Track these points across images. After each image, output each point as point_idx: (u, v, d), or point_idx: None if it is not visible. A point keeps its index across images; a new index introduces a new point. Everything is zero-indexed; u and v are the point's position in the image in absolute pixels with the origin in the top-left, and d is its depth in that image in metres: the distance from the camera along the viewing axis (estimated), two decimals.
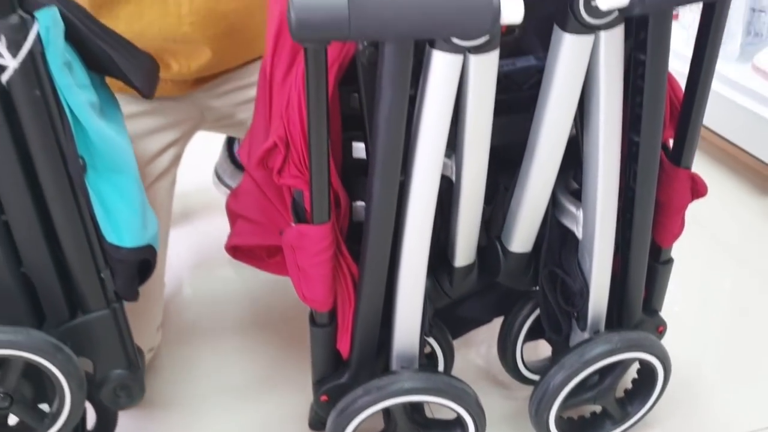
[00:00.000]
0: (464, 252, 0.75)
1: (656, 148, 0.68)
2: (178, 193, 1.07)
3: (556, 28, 0.59)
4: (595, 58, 0.61)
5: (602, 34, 0.59)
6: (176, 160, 1.03)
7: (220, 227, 1.39)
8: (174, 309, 1.16)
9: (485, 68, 0.59)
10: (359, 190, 0.72)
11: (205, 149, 1.33)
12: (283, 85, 0.70)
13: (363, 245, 0.68)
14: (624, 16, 0.59)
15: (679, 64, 0.72)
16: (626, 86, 0.66)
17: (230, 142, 1.36)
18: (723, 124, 1.48)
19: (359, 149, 0.71)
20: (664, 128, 0.72)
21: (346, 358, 0.76)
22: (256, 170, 0.73)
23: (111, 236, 0.74)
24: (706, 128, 1.51)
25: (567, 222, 0.76)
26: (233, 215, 0.80)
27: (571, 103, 0.64)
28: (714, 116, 1.48)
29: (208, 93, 1.04)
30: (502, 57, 0.61)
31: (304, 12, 0.49)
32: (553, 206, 0.76)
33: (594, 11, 0.56)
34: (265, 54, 0.73)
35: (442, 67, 0.57)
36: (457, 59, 0.57)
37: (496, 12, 0.51)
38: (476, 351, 1.02)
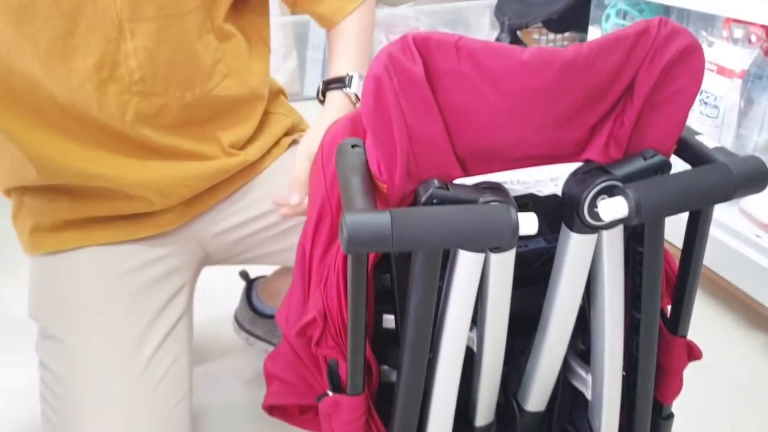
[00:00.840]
0: (484, 412, 0.81)
1: (654, 324, 0.76)
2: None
3: (564, 227, 0.69)
4: (598, 250, 0.70)
5: (604, 233, 0.69)
6: (190, 302, 1.12)
7: (234, 361, 1.46)
8: None
9: (504, 263, 0.68)
10: (389, 356, 0.80)
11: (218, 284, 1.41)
12: (321, 262, 0.79)
13: (393, 412, 0.75)
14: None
15: None
16: (627, 267, 0.75)
17: (249, 290, 1.45)
18: (715, 262, 1.57)
19: (389, 320, 0.79)
20: (662, 299, 0.81)
21: None
22: (295, 339, 0.81)
23: None
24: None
25: (577, 384, 0.83)
26: (270, 376, 0.87)
27: (579, 286, 0.72)
28: (707, 254, 1.58)
29: (205, 223, 1.14)
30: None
31: (355, 231, 0.58)
32: (565, 369, 0.83)
33: (596, 216, 0.66)
34: (305, 231, 0.82)
35: (466, 264, 0.66)
36: (479, 257, 0.66)
37: (515, 228, 0.60)
38: None
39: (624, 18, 1.99)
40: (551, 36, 2.85)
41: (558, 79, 0.62)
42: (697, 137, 0.73)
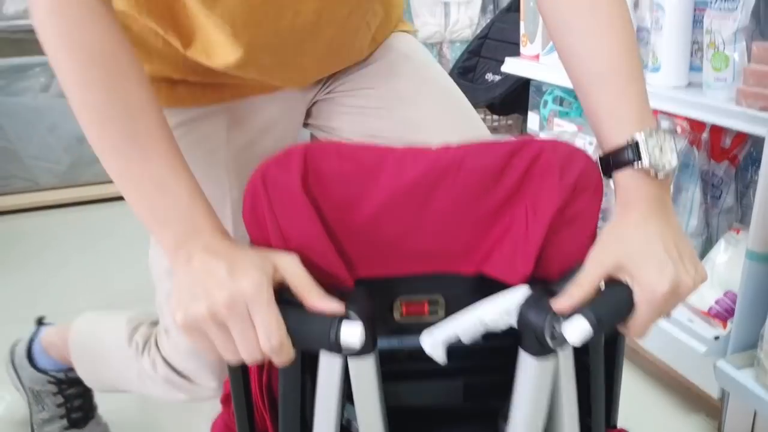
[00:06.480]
0: None
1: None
2: None
3: (523, 354, 0.67)
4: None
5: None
6: None
7: None
8: None
9: (362, 368, 0.67)
10: None
11: None
12: None
13: None
14: None
15: None
16: None
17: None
18: (653, 346, 1.59)
19: None
20: None
21: None
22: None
23: None
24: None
25: None
26: None
27: (542, 409, 0.70)
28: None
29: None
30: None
31: None
32: None
33: (559, 339, 0.64)
34: None
35: (326, 365, 0.67)
36: (337, 360, 0.67)
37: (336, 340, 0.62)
38: None
39: (561, 104, 2.04)
40: (495, 117, 2.88)
41: (428, 173, 0.66)
42: None
